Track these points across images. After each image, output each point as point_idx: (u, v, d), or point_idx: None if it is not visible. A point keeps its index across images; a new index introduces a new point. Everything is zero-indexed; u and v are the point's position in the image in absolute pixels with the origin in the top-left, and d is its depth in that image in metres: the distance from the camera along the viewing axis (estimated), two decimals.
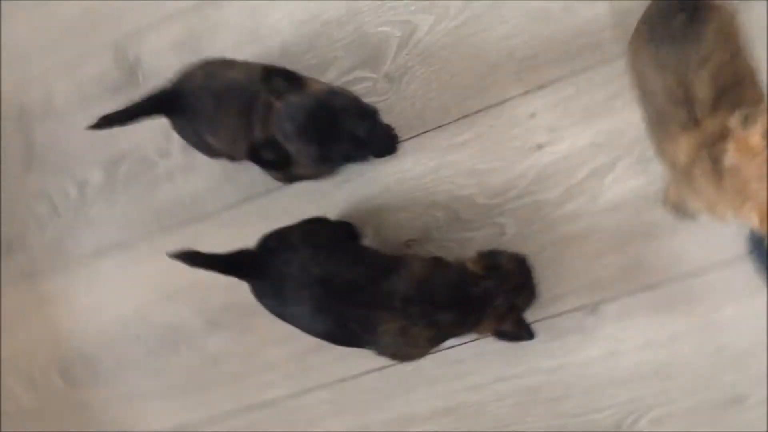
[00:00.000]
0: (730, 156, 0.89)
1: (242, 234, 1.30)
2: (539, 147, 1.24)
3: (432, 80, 1.28)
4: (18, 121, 1.46)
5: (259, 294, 1.13)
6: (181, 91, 1.19)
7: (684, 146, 0.96)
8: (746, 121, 0.88)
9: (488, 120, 1.26)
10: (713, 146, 0.92)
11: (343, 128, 1.08)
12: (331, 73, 1.32)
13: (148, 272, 1.43)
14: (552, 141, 1.23)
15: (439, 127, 1.28)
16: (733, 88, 0.96)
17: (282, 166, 1.14)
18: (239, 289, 1.34)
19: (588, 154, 1.22)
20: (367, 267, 1.10)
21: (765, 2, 1.13)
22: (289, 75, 1.11)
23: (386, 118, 1.29)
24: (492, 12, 1.24)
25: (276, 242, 1.13)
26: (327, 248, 1.11)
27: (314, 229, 1.19)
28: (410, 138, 1.29)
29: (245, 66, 1.20)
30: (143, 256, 1.42)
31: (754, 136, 0.86)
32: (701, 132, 0.95)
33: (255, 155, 1.11)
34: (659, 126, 1.01)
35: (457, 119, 1.27)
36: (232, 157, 1.27)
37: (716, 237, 1.17)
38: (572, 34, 1.21)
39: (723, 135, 0.91)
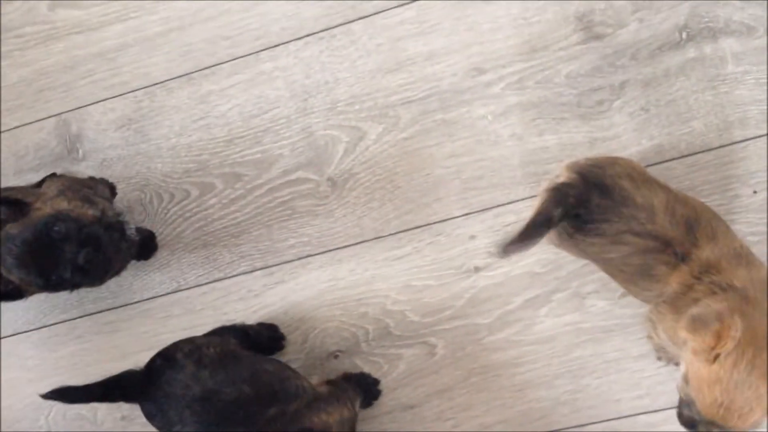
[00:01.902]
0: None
1: (164, 325, 1.27)
2: (477, 270, 1.21)
3: (375, 189, 1.25)
4: None
5: (147, 415, 1.08)
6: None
7: (676, 280, 0.94)
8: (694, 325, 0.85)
9: (428, 237, 1.23)
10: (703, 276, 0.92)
11: (63, 256, 1.07)
12: (275, 171, 1.29)
13: (66, 355, 1.36)
14: (490, 266, 1.21)
15: (378, 238, 1.25)
16: (695, 214, 0.95)
17: (16, 297, 1.13)
18: None
19: (525, 283, 1.20)
20: (256, 387, 1.05)
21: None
22: (12, 202, 1.10)
23: (325, 222, 1.26)
24: (442, 128, 1.23)
25: (162, 360, 1.08)
26: (214, 364, 1.06)
27: (211, 341, 1.13)
28: (346, 246, 1.26)
29: None
30: (63, 339, 1.36)
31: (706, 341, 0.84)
32: (694, 263, 0.93)
33: None
34: (642, 277, 0.98)
35: (397, 232, 1.24)
36: None
37: (648, 383, 1.15)
38: (519, 162, 1.20)
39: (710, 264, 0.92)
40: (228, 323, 1.25)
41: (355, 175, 1.26)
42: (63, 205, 1.11)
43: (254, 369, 1.08)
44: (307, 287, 1.28)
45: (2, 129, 1.39)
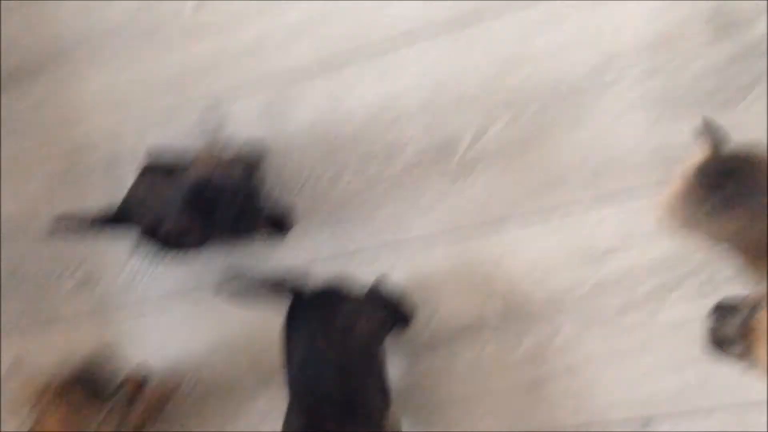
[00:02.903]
0: None
1: None
2: (605, 253, 1.23)
3: (505, 172, 1.29)
4: (108, 168, 1.54)
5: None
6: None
7: None
8: None
9: (556, 219, 1.26)
10: None
11: (220, 204, 1.18)
12: (408, 152, 1.35)
13: (210, 322, 1.48)
14: (619, 249, 1.22)
15: (506, 218, 1.29)
16: None
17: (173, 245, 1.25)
18: None
19: (655, 268, 1.20)
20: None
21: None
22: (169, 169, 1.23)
23: (456, 202, 1.31)
24: (573, 112, 1.25)
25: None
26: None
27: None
28: (475, 225, 1.30)
29: None
30: (206, 306, 1.48)
31: None
32: None
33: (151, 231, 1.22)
34: None
35: (525, 213, 1.28)
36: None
37: None
38: (655, 146, 1.20)
39: None
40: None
41: (485, 158, 1.30)
42: (221, 164, 1.24)
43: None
44: (436, 264, 1.33)
45: (152, 118, 1.51)
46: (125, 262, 1.52)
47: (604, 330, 1.23)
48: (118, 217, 1.30)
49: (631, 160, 1.21)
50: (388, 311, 1.27)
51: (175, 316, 1.49)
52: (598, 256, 1.23)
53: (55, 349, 1.36)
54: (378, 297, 1.27)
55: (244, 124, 1.44)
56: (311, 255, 1.41)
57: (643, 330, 1.21)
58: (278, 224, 1.39)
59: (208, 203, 1.18)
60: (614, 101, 1.22)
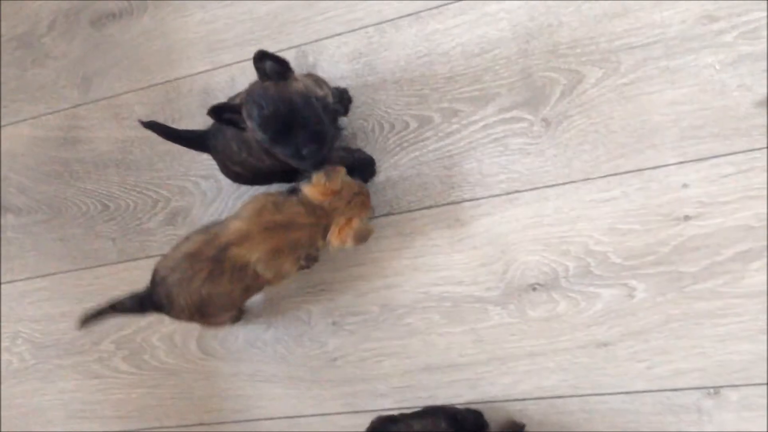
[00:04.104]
0: None
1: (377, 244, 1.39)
2: (686, 218, 1.22)
3: (588, 132, 1.29)
4: (202, 104, 1.60)
5: None
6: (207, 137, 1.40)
7: None
8: None
9: (638, 182, 1.25)
10: None
11: (296, 130, 1.20)
12: (491, 108, 1.36)
13: None
14: (701, 215, 1.21)
15: (587, 179, 1.29)
16: None
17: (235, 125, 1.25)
18: (367, 297, 1.44)
19: (737, 236, 1.19)
20: None
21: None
22: (282, 64, 1.21)
23: (536, 161, 1.32)
24: (665, 75, 1.23)
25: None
26: None
27: (424, 426, 1.25)
28: (555, 185, 1.31)
29: None
30: None
31: None
32: None
33: (217, 111, 1.22)
34: None
35: (606, 175, 1.27)
36: (258, 177, 1.40)
37: None
38: (744, 113, 1.18)
39: None
40: (437, 405, 1.38)
41: (569, 117, 1.30)
42: (308, 82, 1.28)
43: None
44: (512, 221, 1.35)
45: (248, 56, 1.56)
46: (212, 198, 1.59)
47: (679, 295, 1.23)
48: (201, 141, 1.38)
49: (722, 125, 1.20)
50: None
51: None
52: (680, 221, 1.23)
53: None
54: None
55: (335, 69, 1.48)
56: (386, 208, 1.44)
57: (719, 298, 1.20)
58: (362, 170, 1.43)
59: (285, 124, 1.21)
60: (711, 62, 1.20)
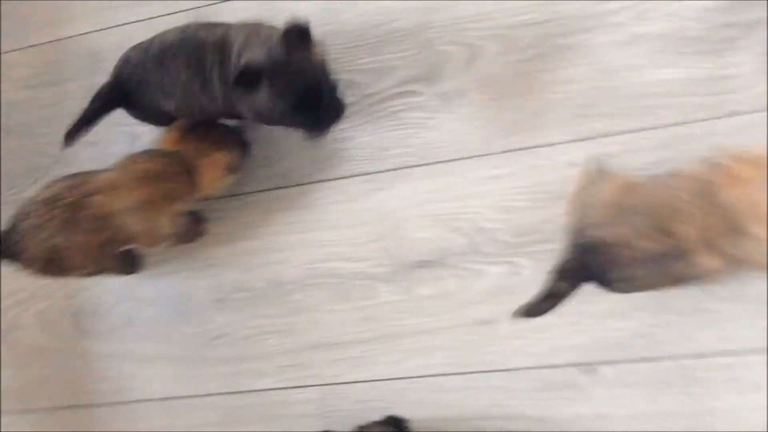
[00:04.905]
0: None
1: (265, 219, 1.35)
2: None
3: (484, 108, 1.28)
4: (92, 62, 1.52)
5: None
6: (121, 77, 1.28)
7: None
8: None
9: (530, 159, 1.25)
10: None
11: (317, 102, 1.19)
12: (389, 81, 1.33)
13: None
14: None
15: (480, 156, 1.28)
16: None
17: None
18: (254, 273, 1.38)
19: None
20: None
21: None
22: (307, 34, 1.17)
23: (430, 135, 1.31)
24: (560, 53, 1.24)
25: None
26: None
27: None
28: (449, 161, 1.30)
29: (176, 28, 1.27)
30: None
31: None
32: None
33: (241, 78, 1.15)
34: None
35: (499, 152, 1.27)
36: (191, 114, 1.30)
37: (731, 326, 1.15)
38: (632, 93, 1.20)
39: None
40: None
41: (466, 92, 1.29)
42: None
43: None
44: (404, 197, 1.32)
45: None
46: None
47: None
48: (111, 96, 1.30)
49: (612, 105, 1.21)
50: None
51: None
52: (566, 199, 1.23)
53: None
54: None
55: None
56: (276, 181, 1.40)
57: None
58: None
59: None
60: (607, 40, 1.22)
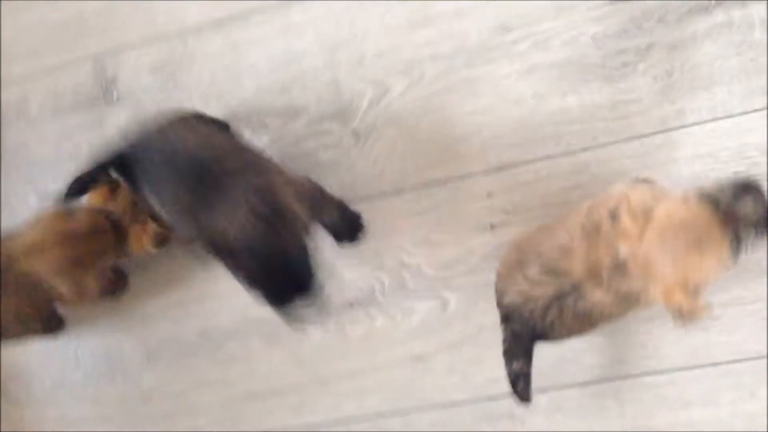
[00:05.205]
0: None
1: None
2: (492, 227, 1.23)
3: (397, 144, 1.27)
4: None
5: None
6: (134, 151, 1.14)
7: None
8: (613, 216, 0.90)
9: (446, 193, 1.25)
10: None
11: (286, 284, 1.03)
12: (301, 121, 1.32)
13: None
14: (505, 223, 1.22)
15: (397, 191, 1.27)
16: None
17: None
18: (184, 325, 1.35)
19: None
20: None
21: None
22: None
23: (346, 174, 1.29)
24: (466, 86, 1.24)
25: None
26: None
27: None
28: (366, 199, 1.28)
29: (207, 136, 1.13)
30: None
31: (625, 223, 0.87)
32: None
33: None
34: None
35: (416, 187, 1.26)
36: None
37: (654, 344, 1.16)
38: (539, 122, 1.20)
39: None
40: None
41: (378, 129, 1.28)
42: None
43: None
44: (326, 237, 1.31)
45: (43, 69, 1.44)
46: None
47: (489, 305, 1.22)
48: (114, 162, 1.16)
49: (520, 134, 1.21)
50: None
51: None
52: (486, 230, 1.23)
53: None
54: None
55: (136, 80, 1.39)
56: None
57: None
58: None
59: None
60: (510, 70, 1.22)
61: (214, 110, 1.34)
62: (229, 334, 1.36)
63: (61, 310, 1.36)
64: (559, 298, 0.97)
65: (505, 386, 1.21)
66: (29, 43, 1.45)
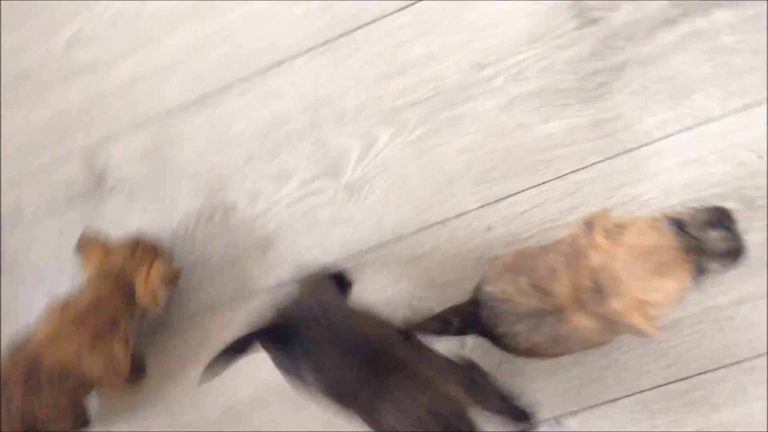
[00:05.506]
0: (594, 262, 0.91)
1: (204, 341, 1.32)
2: (496, 260, 1.24)
3: (391, 192, 1.29)
4: None
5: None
6: (291, 323, 1.08)
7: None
8: (589, 227, 0.92)
9: (446, 232, 1.26)
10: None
11: None
12: (294, 183, 1.33)
13: None
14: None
15: (398, 239, 1.28)
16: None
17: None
18: (206, 403, 1.36)
19: None
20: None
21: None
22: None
23: (347, 229, 1.30)
24: (449, 126, 1.26)
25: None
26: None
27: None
28: (369, 249, 1.30)
29: (374, 321, 1.12)
30: None
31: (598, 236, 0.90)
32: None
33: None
34: None
35: (416, 231, 1.28)
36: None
37: (675, 352, 1.17)
38: (527, 150, 1.22)
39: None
40: None
41: (370, 180, 1.30)
42: None
43: None
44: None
45: (34, 170, 1.46)
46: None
47: None
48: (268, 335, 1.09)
49: (510, 165, 1.23)
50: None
51: None
52: (491, 263, 1.24)
53: None
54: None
55: (127, 167, 1.40)
56: (207, 303, 1.37)
57: None
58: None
59: None
60: (490, 105, 1.24)
61: (207, 184, 1.36)
62: (253, 405, 1.35)
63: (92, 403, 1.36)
64: (538, 314, 0.99)
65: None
66: (16, 146, 1.47)
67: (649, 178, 1.16)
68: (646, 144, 1.17)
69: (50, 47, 1.45)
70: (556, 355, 1.07)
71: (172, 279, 1.27)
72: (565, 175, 1.20)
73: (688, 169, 1.15)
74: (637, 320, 0.89)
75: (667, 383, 1.18)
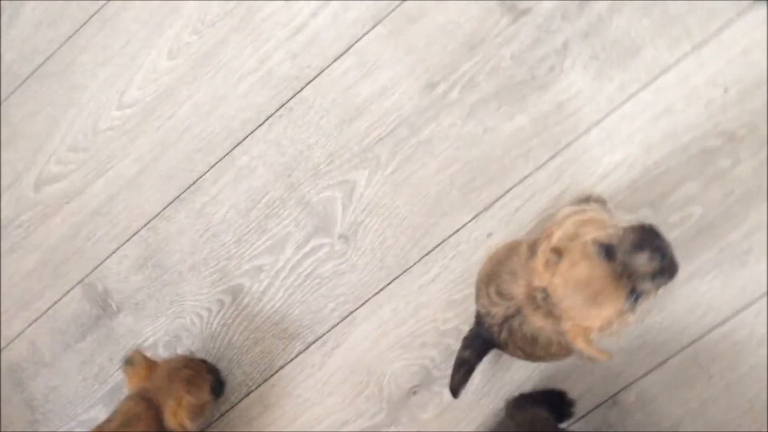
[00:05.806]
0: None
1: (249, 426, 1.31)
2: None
3: (385, 228, 1.29)
4: (12, 380, 1.48)
5: None
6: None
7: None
8: (532, 253, 0.93)
9: (450, 251, 1.26)
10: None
11: None
12: (289, 249, 1.34)
13: None
14: None
15: (405, 271, 1.29)
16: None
17: None
18: None
19: None
20: None
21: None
22: None
23: (352, 276, 1.31)
24: (421, 150, 1.27)
25: None
26: None
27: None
28: (381, 290, 1.30)
29: None
30: None
31: (537, 264, 0.91)
32: None
33: None
34: None
35: (420, 259, 1.28)
36: None
37: (704, 300, 1.16)
38: (502, 151, 1.23)
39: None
40: None
41: (362, 224, 1.30)
42: None
43: None
44: (362, 341, 1.32)
45: (39, 314, 1.46)
46: None
47: None
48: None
49: (489, 170, 1.24)
50: None
51: None
52: None
53: None
54: None
55: (126, 284, 1.41)
56: (243, 389, 1.37)
57: None
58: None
59: None
60: (453, 119, 1.25)
61: (208, 276, 1.36)
62: None
63: None
64: (507, 320, 1.01)
65: (590, 400, 1.22)
66: (16, 297, 1.47)
67: (626, 141, 1.17)
68: (613, 110, 1.17)
69: (21, 192, 1.46)
70: (556, 357, 1.06)
71: (200, 412, 1.26)
72: (545, 163, 1.20)
73: (660, 122, 1.15)
74: (581, 345, 0.90)
75: (709, 331, 1.17)
